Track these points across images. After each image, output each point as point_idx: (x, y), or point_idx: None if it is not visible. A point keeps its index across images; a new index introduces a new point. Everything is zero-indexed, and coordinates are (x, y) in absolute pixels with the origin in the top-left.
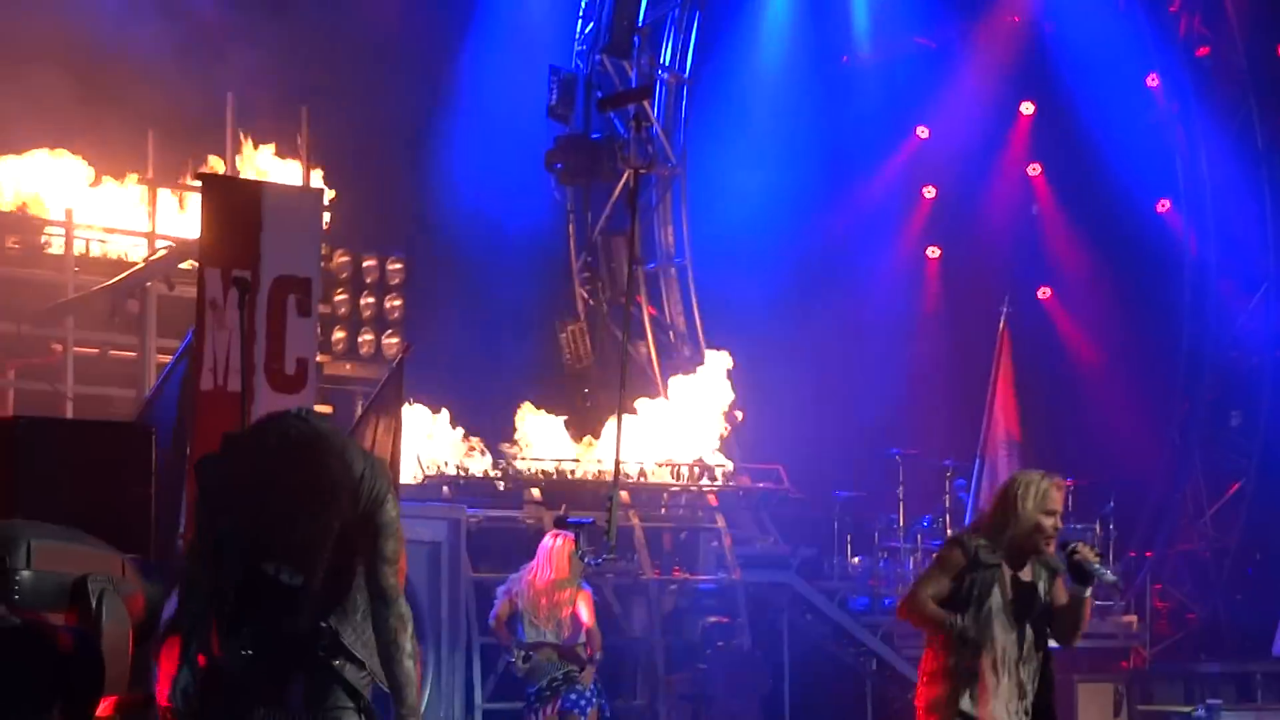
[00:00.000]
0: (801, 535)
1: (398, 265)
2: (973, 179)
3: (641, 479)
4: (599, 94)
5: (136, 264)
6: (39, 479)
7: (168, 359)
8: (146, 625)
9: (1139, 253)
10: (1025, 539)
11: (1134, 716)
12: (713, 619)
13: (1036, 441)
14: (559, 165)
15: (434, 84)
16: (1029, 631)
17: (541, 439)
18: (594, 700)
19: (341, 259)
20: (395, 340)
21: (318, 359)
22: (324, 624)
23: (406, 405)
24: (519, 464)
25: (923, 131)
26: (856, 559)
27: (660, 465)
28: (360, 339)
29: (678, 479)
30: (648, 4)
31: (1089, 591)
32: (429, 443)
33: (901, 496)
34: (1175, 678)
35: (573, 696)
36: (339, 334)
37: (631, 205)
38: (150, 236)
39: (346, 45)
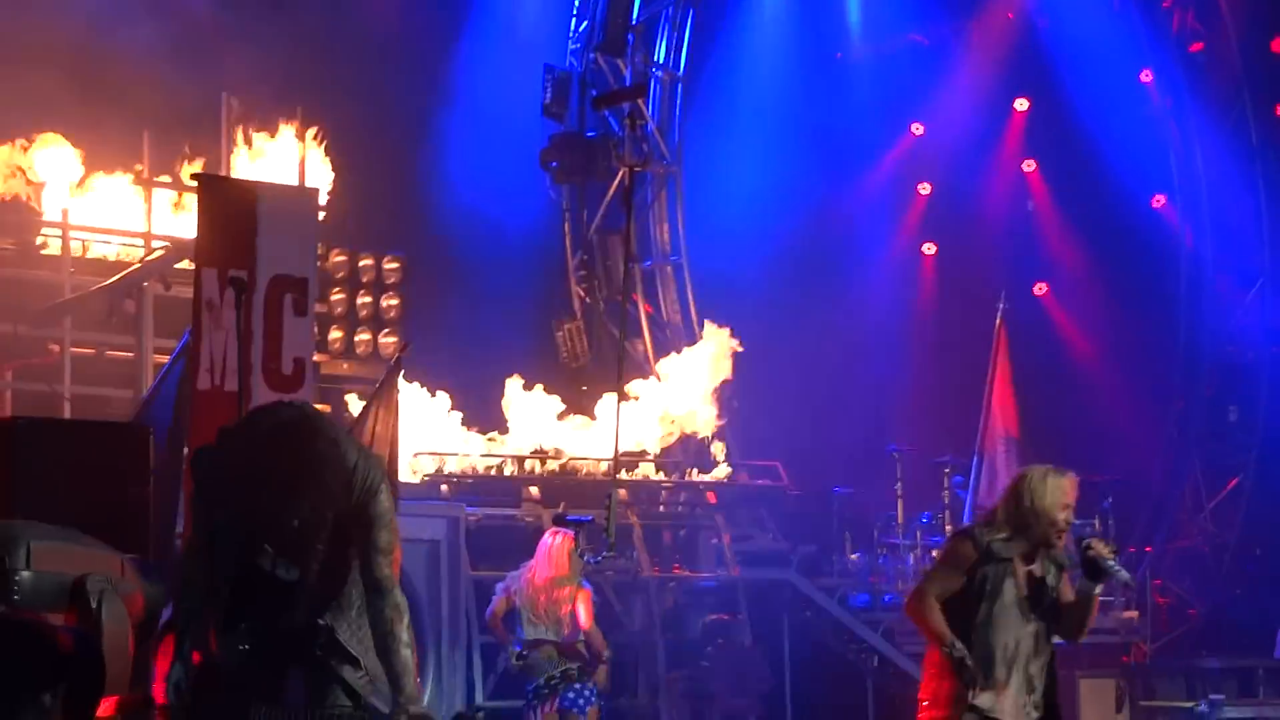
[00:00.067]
0: (801, 532)
1: (394, 264)
2: (968, 175)
3: (641, 476)
4: (594, 92)
5: (133, 264)
6: (37, 479)
7: (165, 359)
8: (146, 625)
9: (1135, 248)
10: (1039, 533)
11: (1136, 712)
12: (713, 616)
13: (1035, 437)
14: (554, 163)
15: (429, 83)
16: (1039, 626)
17: (530, 419)
18: (593, 699)
19: (338, 258)
20: (392, 339)
21: (315, 358)
22: (320, 621)
23: (404, 383)
24: (506, 445)
25: (918, 128)
26: (856, 555)
27: (653, 459)
28: (357, 338)
29: (676, 476)
30: (641, 2)
31: (1099, 588)
32: (426, 427)
33: (900, 493)
34: (1177, 673)
35: (570, 695)
36: (336, 333)
37: (627, 203)
38: (146, 237)
39: (342, 44)
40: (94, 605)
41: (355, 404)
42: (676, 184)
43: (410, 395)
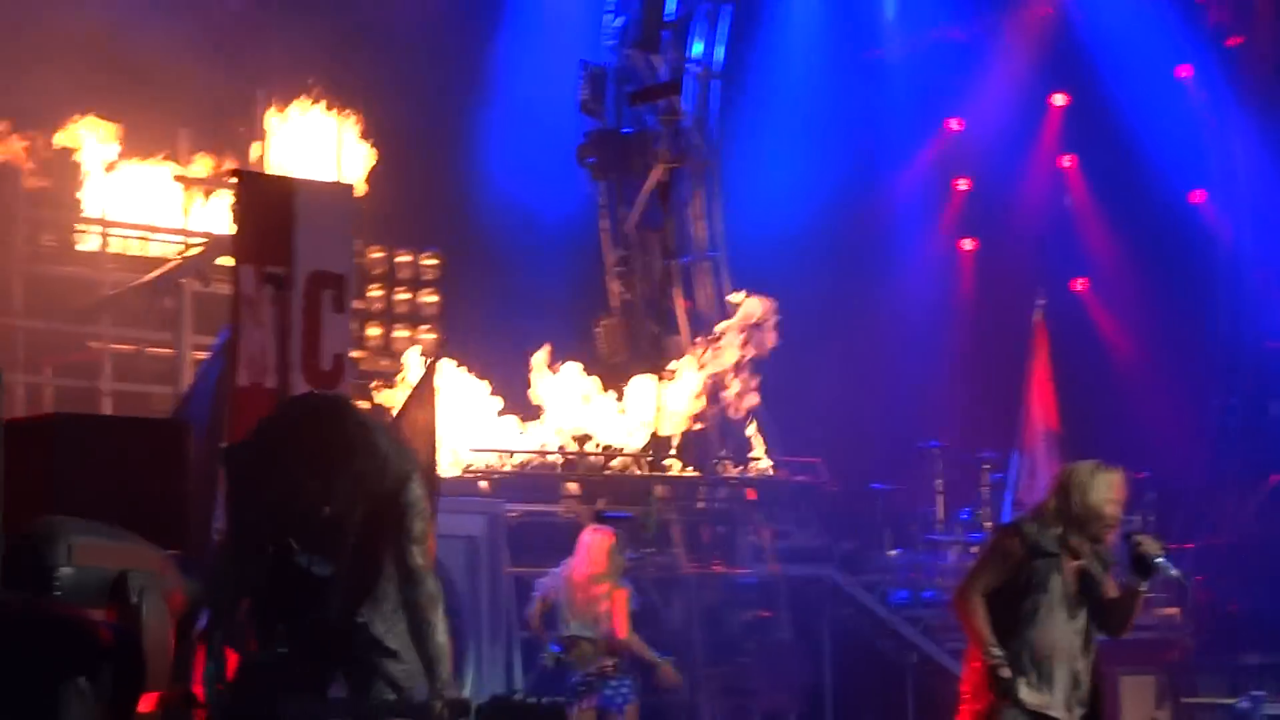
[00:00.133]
0: (841, 528)
1: (432, 260)
2: (1006, 171)
3: (681, 473)
4: (630, 88)
5: (171, 261)
6: (77, 476)
7: (203, 356)
8: (186, 621)
9: (1173, 243)
10: (1088, 527)
11: (1177, 709)
12: (753, 613)
13: (1074, 433)
14: (591, 160)
15: (466, 79)
16: (1084, 623)
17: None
18: (630, 696)
19: (375, 254)
20: (431, 335)
21: (353, 354)
22: (356, 616)
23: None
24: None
25: (955, 124)
26: (896, 551)
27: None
28: (394, 334)
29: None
30: None
31: (1145, 584)
32: (465, 415)
33: (940, 489)
34: (1218, 670)
35: (607, 693)
36: (374, 329)
37: (664, 199)
38: (184, 233)
39: (379, 41)
40: (135, 601)
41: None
42: (714, 180)
43: (449, 379)
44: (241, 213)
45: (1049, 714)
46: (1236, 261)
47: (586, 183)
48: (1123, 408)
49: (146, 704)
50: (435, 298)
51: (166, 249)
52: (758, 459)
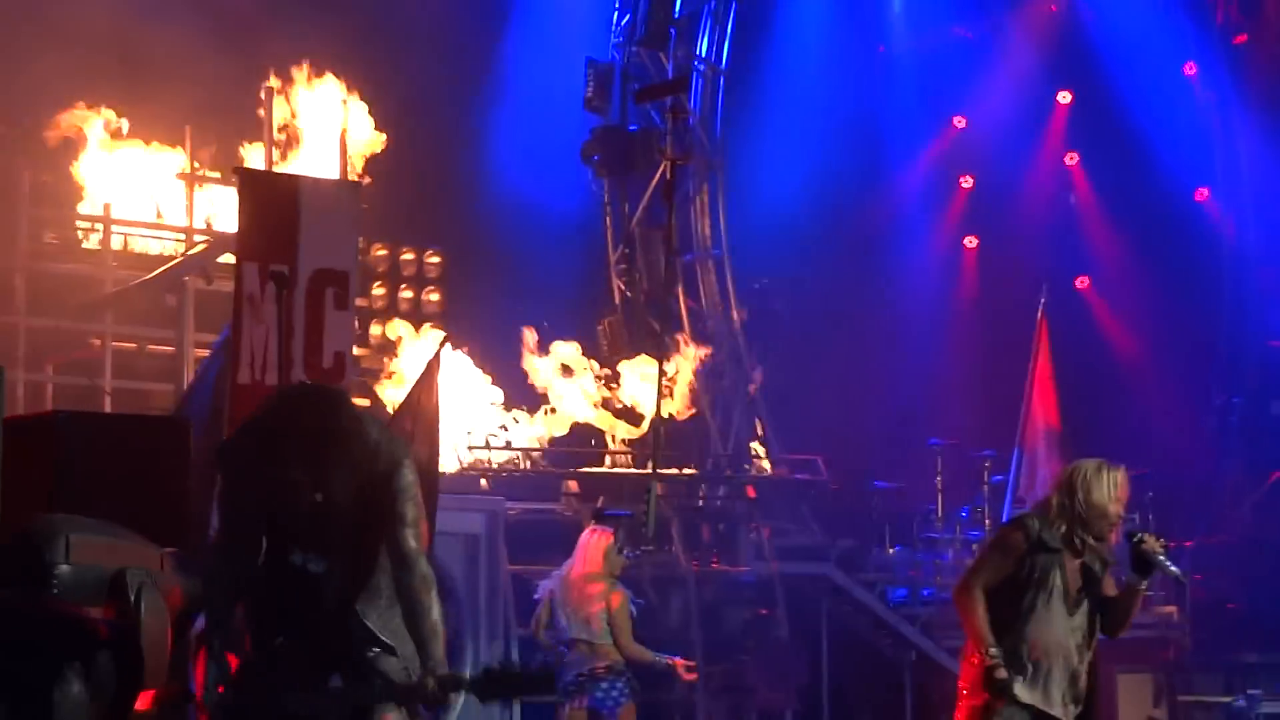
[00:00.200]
0: (840, 526)
1: (435, 258)
2: (1010, 168)
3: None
4: (635, 86)
5: (174, 259)
6: (77, 473)
7: (205, 353)
8: (184, 619)
9: (1177, 241)
10: (1091, 526)
11: (1174, 707)
12: (751, 611)
13: (1076, 431)
14: (596, 157)
15: (472, 77)
16: (1084, 620)
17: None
18: (622, 699)
19: (379, 252)
20: (434, 333)
21: (355, 352)
22: (351, 611)
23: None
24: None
25: (960, 121)
26: (894, 550)
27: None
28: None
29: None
30: None
31: (1146, 583)
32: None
33: (940, 487)
34: (1215, 668)
35: (598, 695)
36: (377, 328)
37: (668, 197)
38: (188, 231)
39: (386, 38)
40: (132, 599)
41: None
42: (718, 177)
43: (451, 372)
44: (246, 210)
45: (1045, 711)
46: (1240, 260)
47: (590, 180)
48: (1124, 405)
49: (143, 701)
50: (438, 295)
51: (170, 246)
52: (759, 457)
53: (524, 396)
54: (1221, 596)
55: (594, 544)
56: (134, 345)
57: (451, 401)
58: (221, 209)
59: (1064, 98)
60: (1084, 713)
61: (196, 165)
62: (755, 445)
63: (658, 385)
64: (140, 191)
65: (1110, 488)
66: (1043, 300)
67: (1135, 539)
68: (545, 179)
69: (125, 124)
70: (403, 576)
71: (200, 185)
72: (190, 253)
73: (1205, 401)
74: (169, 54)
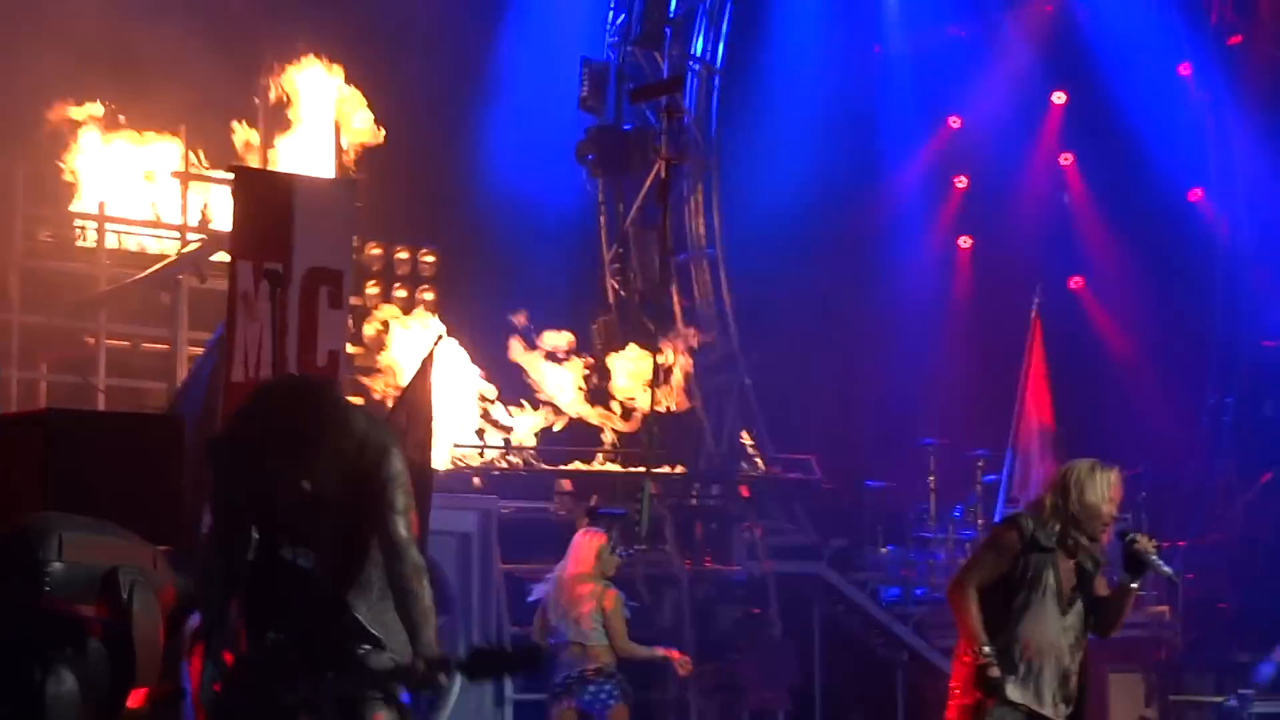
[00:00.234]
0: (833, 525)
1: (430, 257)
2: (1004, 168)
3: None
4: (630, 85)
5: (169, 257)
6: (71, 471)
7: (199, 351)
8: (177, 617)
9: (1171, 242)
10: (1084, 526)
11: (1165, 707)
12: (743, 610)
13: (1069, 431)
14: (590, 157)
15: (467, 76)
16: (1076, 620)
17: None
18: (611, 701)
19: (374, 251)
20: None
21: (350, 351)
22: (342, 606)
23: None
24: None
25: (955, 121)
26: (887, 549)
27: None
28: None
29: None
30: None
31: (1138, 583)
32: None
33: (933, 486)
34: (1206, 668)
35: (586, 698)
36: (370, 327)
37: (663, 196)
38: (182, 229)
39: (379, 36)
40: (125, 596)
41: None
42: (713, 177)
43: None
44: (240, 209)
45: (1036, 711)
46: (1233, 260)
47: (585, 179)
48: (1118, 405)
49: (135, 699)
50: (432, 294)
51: (164, 245)
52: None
53: (518, 392)
54: (1214, 596)
55: (586, 544)
56: (128, 343)
57: (445, 398)
58: (216, 206)
59: (1059, 98)
60: (1074, 713)
61: (194, 162)
62: (745, 437)
63: (651, 382)
64: (135, 189)
65: (1103, 488)
66: (1036, 300)
67: (1128, 539)
68: (540, 178)
69: (122, 119)
70: (394, 565)
71: (195, 183)
72: (185, 251)
73: (1198, 401)
74: (165, 52)
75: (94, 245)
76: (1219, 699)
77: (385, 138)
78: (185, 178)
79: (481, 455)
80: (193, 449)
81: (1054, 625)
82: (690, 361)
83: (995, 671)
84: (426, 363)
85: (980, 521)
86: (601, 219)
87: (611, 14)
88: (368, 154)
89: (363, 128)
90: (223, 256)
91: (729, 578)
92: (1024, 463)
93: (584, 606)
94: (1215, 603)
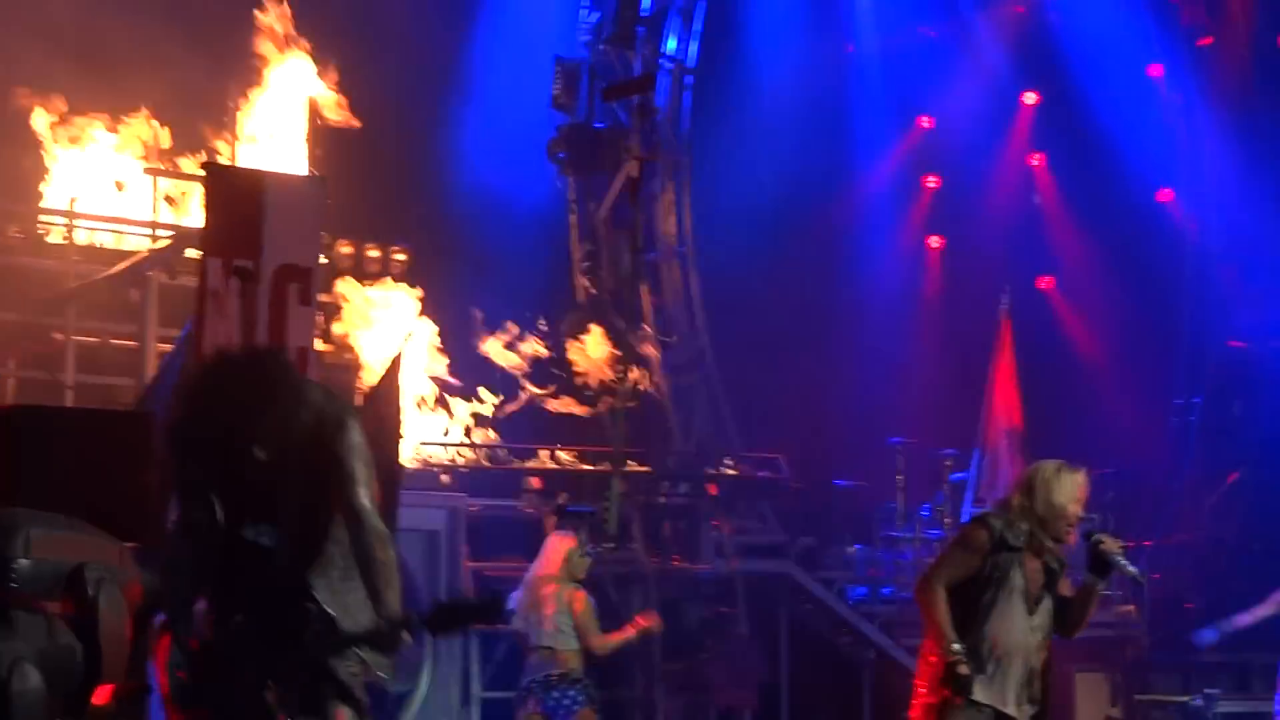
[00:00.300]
0: (800, 524)
1: (401, 255)
2: (975, 169)
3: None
4: (603, 84)
5: (138, 254)
6: (38, 468)
7: (168, 348)
8: (144, 614)
9: (1141, 242)
10: (1050, 526)
11: (1131, 706)
12: (711, 608)
13: (1037, 431)
14: (561, 155)
15: (439, 73)
16: (1042, 620)
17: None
18: (576, 706)
19: (344, 249)
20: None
21: (320, 348)
22: (303, 588)
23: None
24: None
25: (926, 121)
26: (854, 548)
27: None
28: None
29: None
30: None
31: (1103, 583)
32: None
33: (901, 485)
34: (1172, 668)
35: (549, 703)
36: (339, 326)
37: (634, 195)
38: (152, 226)
39: (350, 33)
40: (91, 593)
41: None
42: (684, 176)
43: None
44: (211, 206)
45: (1001, 711)
46: (1202, 261)
47: (556, 177)
48: (1086, 405)
49: (101, 696)
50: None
51: (134, 241)
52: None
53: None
54: (1180, 596)
55: (554, 546)
56: (97, 339)
57: (412, 391)
58: (186, 202)
59: (1030, 98)
60: (1038, 713)
61: (164, 151)
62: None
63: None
64: (104, 186)
65: (1070, 489)
66: (1005, 300)
67: (1093, 539)
68: (512, 176)
69: (94, 121)
70: (357, 533)
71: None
72: (154, 247)
73: (1166, 402)
74: (136, 48)
75: (63, 241)
76: (1184, 698)
77: (357, 134)
78: (155, 173)
79: (445, 440)
80: (161, 446)
81: (1021, 625)
82: (659, 359)
83: (965, 669)
84: (394, 365)
85: (948, 521)
86: (572, 217)
87: (584, 12)
88: (339, 150)
89: (338, 118)
90: (192, 253)
91: (696, 576)
92: (992, 462)
93: (547, 608)
94: (1181, 603)
